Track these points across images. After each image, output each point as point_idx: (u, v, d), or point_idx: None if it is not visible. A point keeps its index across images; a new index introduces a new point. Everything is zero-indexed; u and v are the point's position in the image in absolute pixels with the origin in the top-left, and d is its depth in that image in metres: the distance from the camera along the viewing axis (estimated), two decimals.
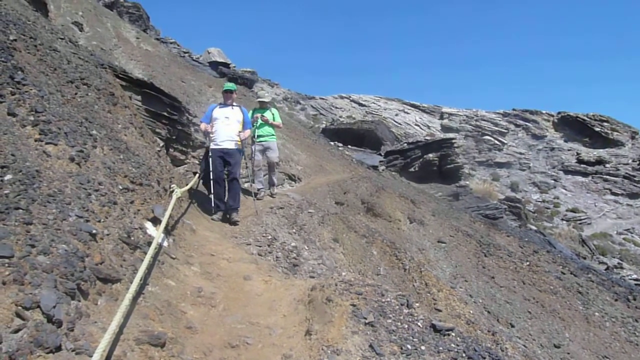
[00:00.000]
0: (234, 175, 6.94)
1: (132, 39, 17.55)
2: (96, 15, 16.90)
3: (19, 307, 2.35)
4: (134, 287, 3.00)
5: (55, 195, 3.30)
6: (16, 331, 2.26)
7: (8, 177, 3.20)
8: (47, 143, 3.83)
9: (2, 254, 2.54)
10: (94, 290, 2.92)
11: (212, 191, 6.94)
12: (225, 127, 7.05)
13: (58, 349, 2.33)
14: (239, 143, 7.13)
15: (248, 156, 8.54)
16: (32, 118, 4.00)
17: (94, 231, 3.26)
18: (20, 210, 2.94)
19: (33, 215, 2.97)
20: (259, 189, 8.40)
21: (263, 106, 8.81)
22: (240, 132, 7.20)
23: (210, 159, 6.96)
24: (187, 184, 6.13)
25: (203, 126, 7.31)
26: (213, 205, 6.78)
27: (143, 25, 24.16)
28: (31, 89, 4.39)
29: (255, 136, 8.39)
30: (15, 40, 5.21)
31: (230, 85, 7.56)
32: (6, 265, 2.50)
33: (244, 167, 8.17)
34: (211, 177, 6.91)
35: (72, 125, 4.34)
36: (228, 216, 6.77)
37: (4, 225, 2.77)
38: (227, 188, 6.98)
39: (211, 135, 7.11)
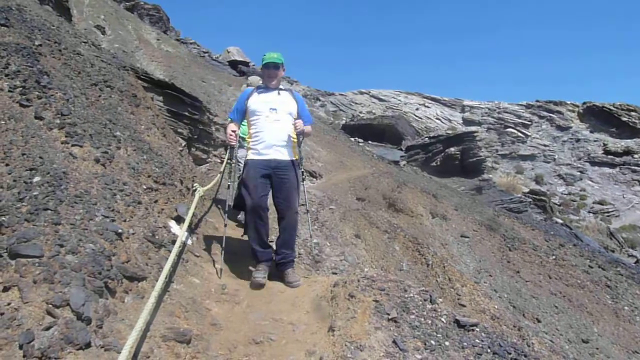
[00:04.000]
0: (290, 206, 4.36)
1: (152, 41, 17.81)
2: (118, 19, 17.19)
3: (50, 305, 2.42)
4: (159, 285, 3.05)
5: (82, 196, 3.38)
6: (47, 328, 2.33)
7: (37, 179, 3.29)
8: (73, 145, 3.92)
9: (32, 254, 2.62)
10: (121, 288, 2.98)
11: (247, 230, 4.48)
12: (273, 124, 4.39)
13: (88, 345, 2.39)
14: (296, 151, 4.55)
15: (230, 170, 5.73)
16: (58, 121, 4.10)
17: (119, 230, 3.33)
18: (49, 211, 3.03)
19: (61, 216, 3.05)
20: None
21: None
22: (294, 133, 4.55)
23: (247, 177, 4.34)
24: (209, 183, 6.20)
25: (232, 127, 4.58)
26: (253, 253, 4.37)
27: (163, 26, 24.49)
28: (57, 93, 4.50)
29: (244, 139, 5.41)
30: (40, 45, 5.35)
31: (274, 57, 4.55)
32: (36, 264, 2.58)
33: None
34: (247, 207, 4.30)
35: (97, 127, 4.43)
36: (281, 272, 4.33)
37: (34, 225, 2.85)
38: (278, 225, 4.51)
39: (248, 139, 4.54)
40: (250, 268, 4.37)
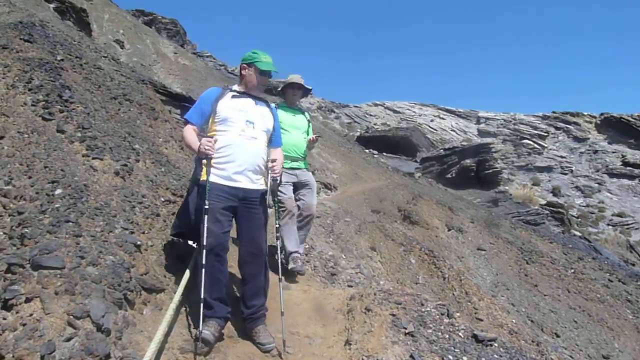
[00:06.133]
0: (260, 248, 3.44)
1: (170, 54, 18.09)
2: (136, 33, 17.52)
3: (71, 317, 2.46)
4: (177, 297, 3.08)
5: (102, 208, 3.43)
6: (68, 339, 2.37)
7: (58, 191, 3.36)
8: (93, 158, 4.00)
9: (54, 265, 2.67)
10: (140, 300, 3.02)
11: (202, 277, 3.15)
12: (249, 143, 3.44)
13: (107, 357, 2.42)
14: (264, 179, 3.56)
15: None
16: (79, 134, 4.19)
17: (138, 242, 3.37)
18: (70, 223, 3.08)
19: (82, 228, 3.10)
20: (290, 254, 4.72)
21: (293, 102, 5.09)
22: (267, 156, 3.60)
23: (209, 205, 3.24)
24: None
25: (189, 132, 3.50)
26: (202, 308, 3.10)
27: (180, 40, 24.88)
28: (78, 107, 4.60)
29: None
30: (62, 60, 5.48)
31: (271, 64, 3.59)
32: (58, 276, 2.63)
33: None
34: (206, 246, 3.18)
35: (117, 140, 4.51)
36: (250, 329, 3.39)
37: (56, 237, 2.91)
38: (242, 271, 3.49)
39: (211, 154, 3.33)
40: (203, 334, 3.03)
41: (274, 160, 3.53)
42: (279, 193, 4.47)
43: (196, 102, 3.65)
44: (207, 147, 3.28)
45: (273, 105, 4.14)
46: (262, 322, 3.40)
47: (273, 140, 3.71)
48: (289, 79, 5.02)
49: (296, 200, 4.91)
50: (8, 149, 3.70)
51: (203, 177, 3.35)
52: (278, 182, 3.60)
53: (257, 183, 3.47)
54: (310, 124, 5.21)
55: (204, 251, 3.17)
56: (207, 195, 3.25)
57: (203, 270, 3.16)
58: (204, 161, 3.35)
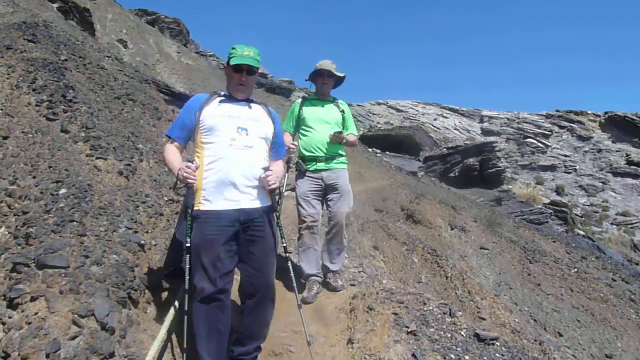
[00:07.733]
0: (267, 280, 2.92)
1: (173, 54, 18.14)
2: (139, 33, 17.57)
3: (75, 315, 2.48)
4: (180, 295, 3.10)
5: (106, 208, 3.46)
6: (73, 338, 2.39)
7: (63, 191, 3.38)
8: (97, 158, 4.03)
9: (59, 265, 2.69)
10: (144, 299, 3.04)
11: (195, 328, 2.73)
12: (243, 153, 2.86)
13: (111, 355, 2.44)
14: (267, 192, 2.96)
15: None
16: (83, 134, 4.22)
17: (142, 242, 3.40)
18: (75, 223, 3.11)
19: (86, 228, 3.12)
20: (308, 276, 4.35)
21: (324, 93, 4.47)
22: (268, 166, 2.96)
23: (201, 244, 2.73)
24: None
25: (169, 151, 2.98)
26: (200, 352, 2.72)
27: (183, 39, 24.91)
28: (82, 107, 4.63)
29: (302, 159, 4.36)
30: (66, 60, 5.51)
31: (250, 55, 2.97)
32: (63, 275, 2.65)
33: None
34: (198, 295, 2.73)
35: (120, 140, 4.54)
36: None
37: (60, 237, 2.93)
38: (242, 306, 2.96)
39: (192, 181, 2.79)
40: None
41: (266, 169, 2.89)
42: (299, 208, 4.31)
43: (183, 111, 3.06)
44: (186, 174, 2.73)
45: (299, 100, 4.18)
46: None
47: (274, 150, 3.14)
48: (317, 66, 4.37)
49: (327, 207, 4.45)
50: (12, 149, 3.73)
51: (197, 207, 2.79)
52: (278, 194, 3.14)
53: (260, 199, 2.89)
54: (346, 115, 4.52)
55: (197, 299, 2.70)
56: (198, 231, 2.74)
57: (196, 324, 2.69)
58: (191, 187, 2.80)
